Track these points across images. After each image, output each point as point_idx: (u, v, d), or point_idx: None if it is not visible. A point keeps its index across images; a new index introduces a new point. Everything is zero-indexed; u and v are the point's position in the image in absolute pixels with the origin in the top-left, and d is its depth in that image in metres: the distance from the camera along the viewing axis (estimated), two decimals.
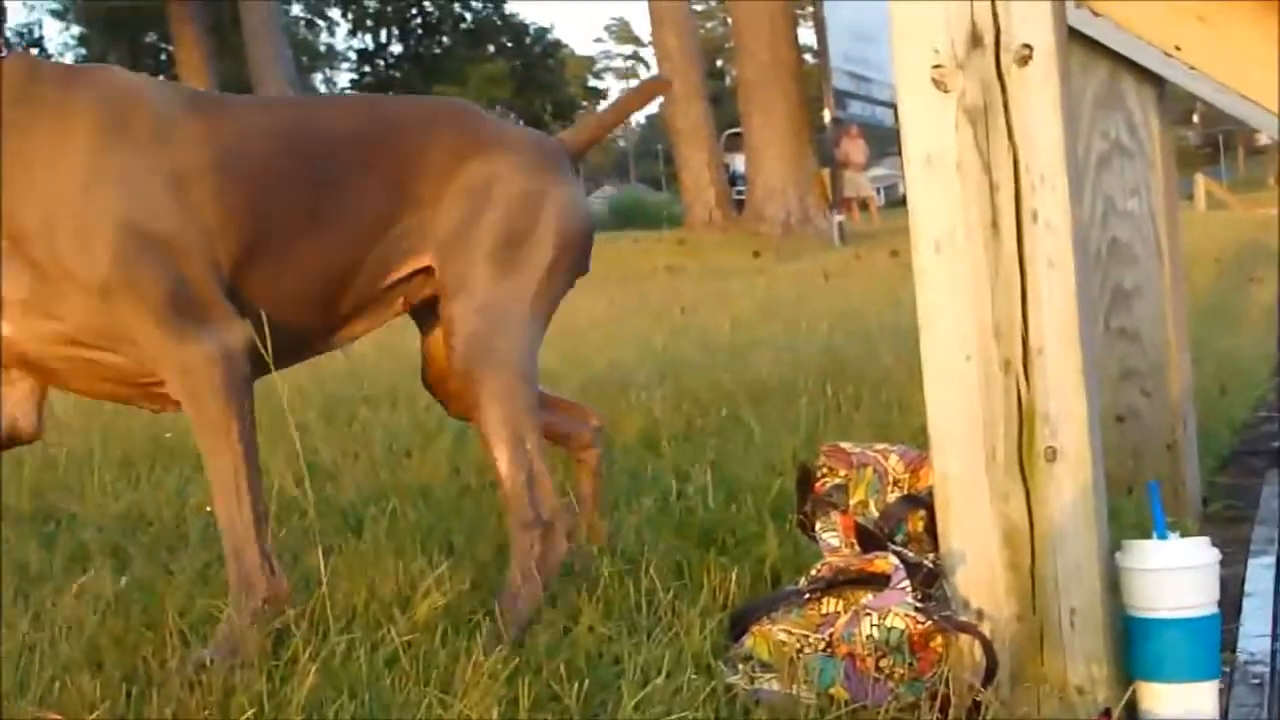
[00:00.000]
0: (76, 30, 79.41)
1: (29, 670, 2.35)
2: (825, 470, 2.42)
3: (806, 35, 27.60)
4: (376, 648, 2.31)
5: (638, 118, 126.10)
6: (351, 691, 2.17)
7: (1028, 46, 2.02)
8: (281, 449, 3.90)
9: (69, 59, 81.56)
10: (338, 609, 2.45)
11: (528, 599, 2.50)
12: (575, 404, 3.09)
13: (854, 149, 22.19)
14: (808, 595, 2.24)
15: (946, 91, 2.06)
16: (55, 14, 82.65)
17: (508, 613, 2.44)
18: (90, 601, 2.64)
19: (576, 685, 2.13)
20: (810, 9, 23.08)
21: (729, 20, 29.84)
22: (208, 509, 3.31)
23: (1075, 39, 2.70)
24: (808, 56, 27.87)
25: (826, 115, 20.50)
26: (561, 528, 2.54)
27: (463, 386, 2.58)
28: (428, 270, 2.64)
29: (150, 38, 71.81)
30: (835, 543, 2.30)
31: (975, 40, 2.05)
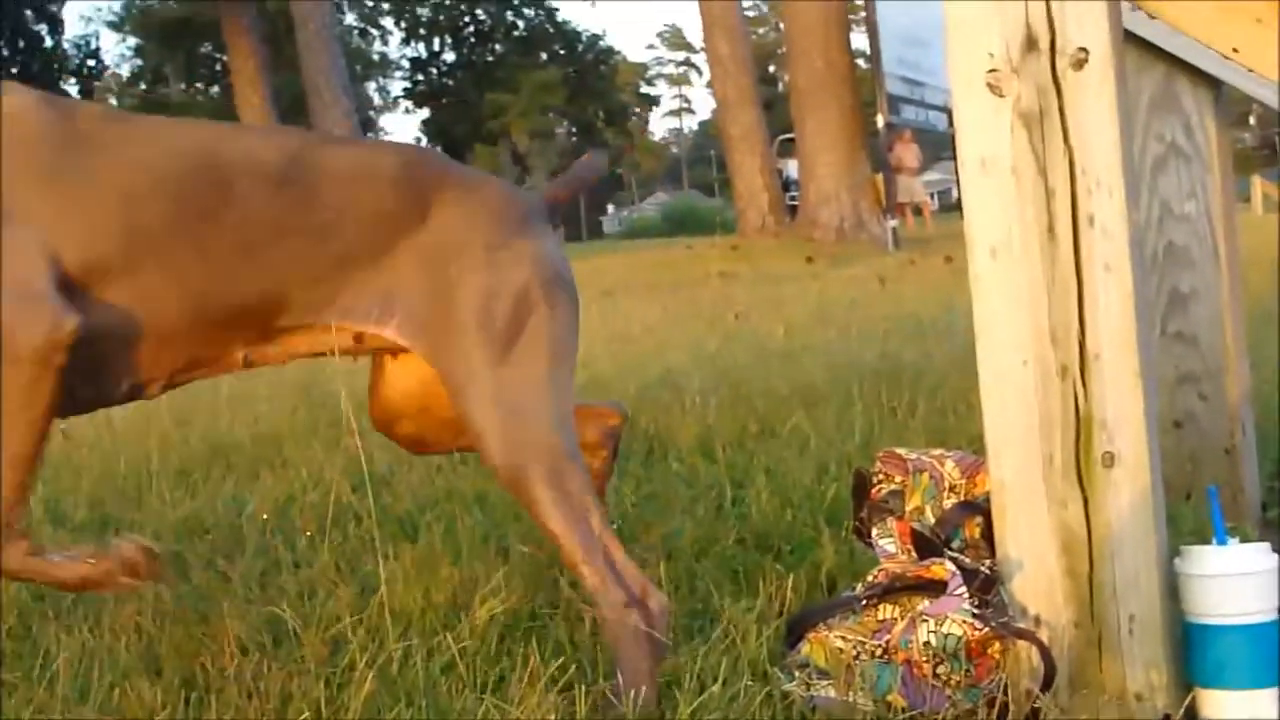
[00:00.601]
0: (133, 41, 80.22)
1: (89, 676, 2.37)
2: (881, 476, 2.41)
3: (859, 40, 27.58)
4: (433, 654, 2.32)
5: (690, 124, 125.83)
6: (409, 698, 2.18)
7: (1083, 50, 2.01)
8: (339, 457, 3.92)
9: (125, 70, 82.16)
10: (394, 616, 2.46)
11: (646, 698, 2.18)
12: (593, 407, 2.77)
13: (907, 154, 22.09)
14: (864, 601, 2.24)
15: (1002, 95, 2.06)
16: (112, 26, 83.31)
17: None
18: (149, 609, 2.66)
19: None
20: (863, 13, 23.00)
21: (781, 25, 29.86)
22: (264, 516, 3.34)
23: (1130, 41, 2.68)
24: (860, 61, 27.83)
25: (880, 120, 20.41)
26: (656, 604, 2.23)
27: (509, 485, 2.32)
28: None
29: (205, 48, 72.44)
30: (892, 549, 2.30)
31: (1030, 44, 2.04)
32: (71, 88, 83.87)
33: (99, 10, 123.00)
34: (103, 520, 3.61)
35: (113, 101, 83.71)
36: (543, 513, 2.25)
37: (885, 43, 19.93)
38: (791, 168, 27.95)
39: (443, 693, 2.21)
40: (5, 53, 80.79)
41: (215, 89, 73.95)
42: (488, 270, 2.39)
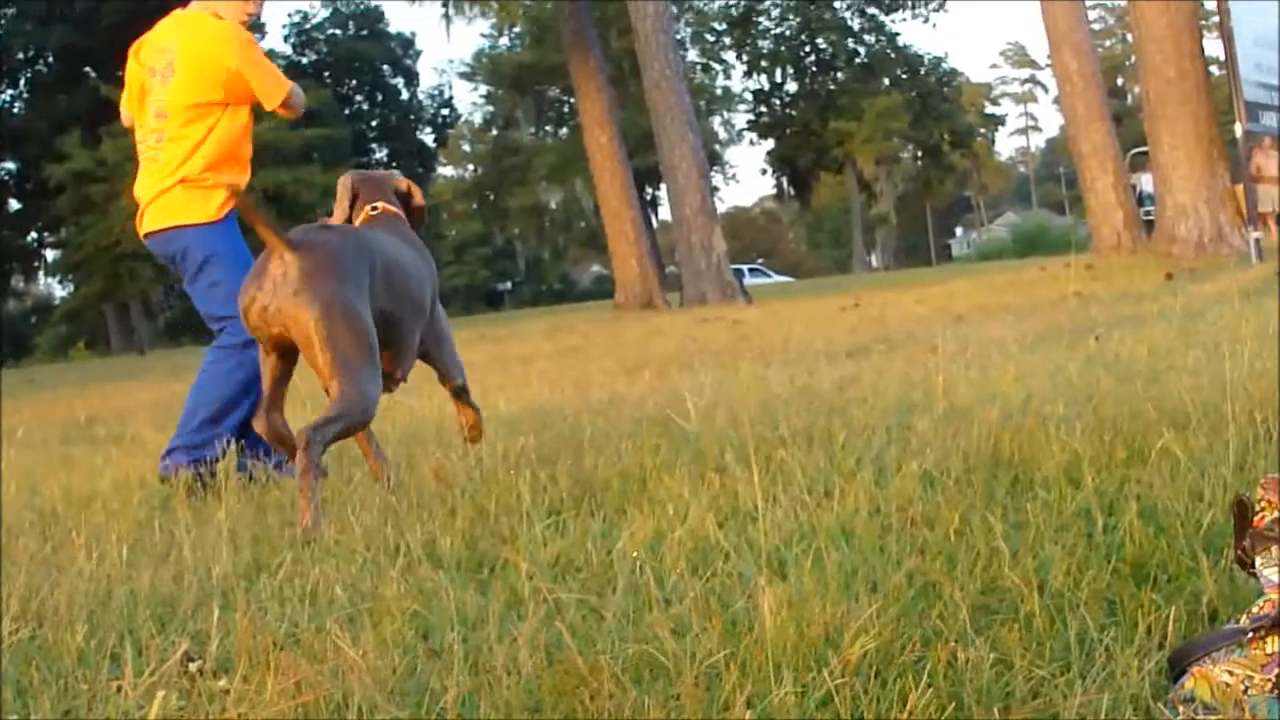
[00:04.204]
0: (484, 89, 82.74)
1: (473, 716, 2.45)
2: (1264, 503, 2.33)
3: (1212, 46, 26.71)
4: (807, 692, 2.33)
5: (1037, 142, 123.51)
6: None
7: None
8: (703, 493, 3.97)
9: (478, 118, 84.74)
10: (767, 652, 2.48)
11: None
12: None
13: (1268, 162, 21.29)
14: (1251, 634, 2.16)
15: None
16: (464, 76, 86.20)
17: None
18: (526, 646, 2.72)
19: None
20: (1215, 18, 22.27)
21: (1128, 36, 29.11)
22: (634, 554, 3.39)
23: None
24: (1214, 68, 26.96)
25: (1237, 128, 19.70)
26: None
27: None
28: None
29: (553, 92, 74.25)
30: (1277, 579, 2.22)
31: None
32: (427, 136, 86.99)
33: (451, 62, 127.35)
34: (478, 560, 3.72)
35: (466, 148, 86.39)
36: None
37: (1241, 47, 19.22)
38: (1146, 182, 27.22)
39: None
40: (365, 106, 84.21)
41: (564, 130, 75.70)
42: None
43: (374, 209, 5.29)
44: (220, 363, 6.11)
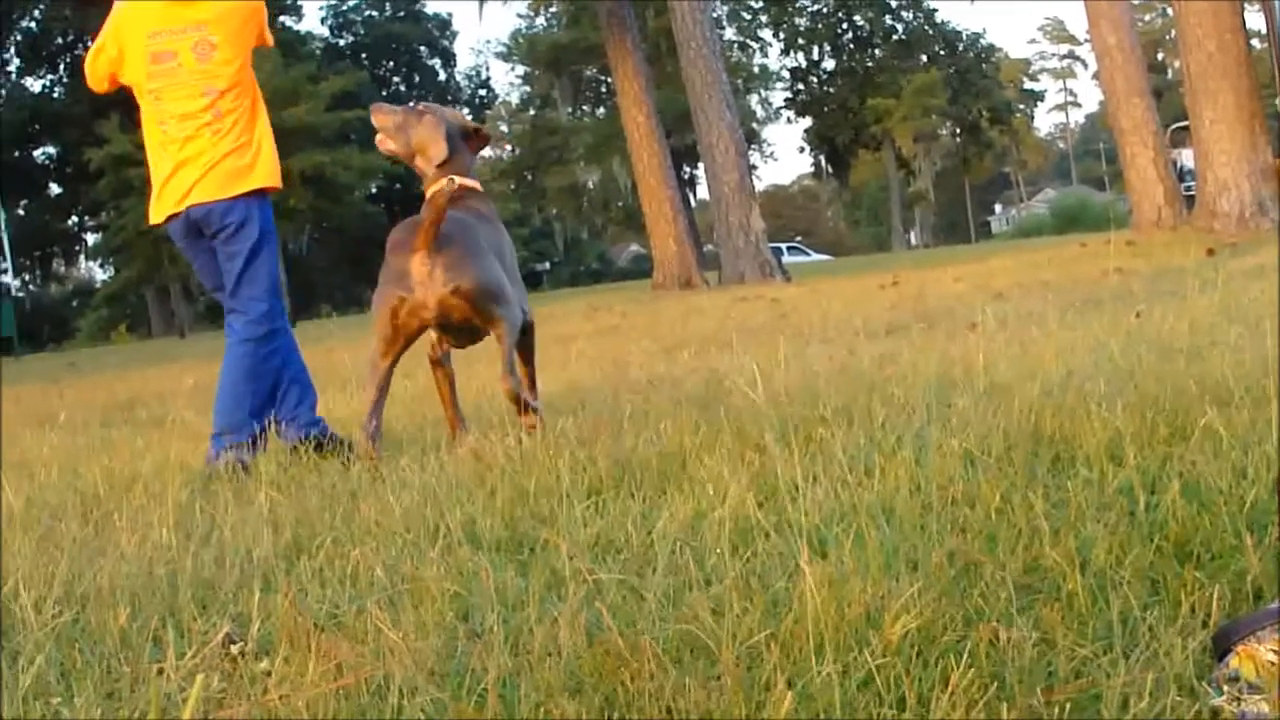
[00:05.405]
0: (521, 70, 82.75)
1: (512, 697, 2.45)
2: None
3: (1254, 19, 26.54)
4: (848, 672, 2.32)
5: (1076, 118, 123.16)
6: (827, 715, 2.19)
7: None
8: (743, 473, 3.96)
9: (515, 98, 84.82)
10: (808, 632, 2.47)
11: None
12: None
13: None
14: None
15: None
16: (500, 56, 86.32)
17: None
18: (566, 627, 2.72)
19: (1055, 709, 2.09)
20: None
21: (1168, 10, 28.96)
22: (674, 535, 3.39)
23: None
24: (1255, 42, 26.76)
25: (1279, 102, 19.57)
26: None
27: None
28: None
29: (590, 71, 74.17)
30: None
31: None
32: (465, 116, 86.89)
33: (488, 43, 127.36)
34: (518, 541, 3.72)
35: (503, 128, 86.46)
36: None
37: None
38: (1186, 157, 27.10)
39: (860, 710, 2.21)
40: (403, 88, 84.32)
41: (601, 110, 75.65)
42: None
43: (450, 182, 5.46)
44: (260, 348, 6.22)
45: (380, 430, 5.36)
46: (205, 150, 6.18)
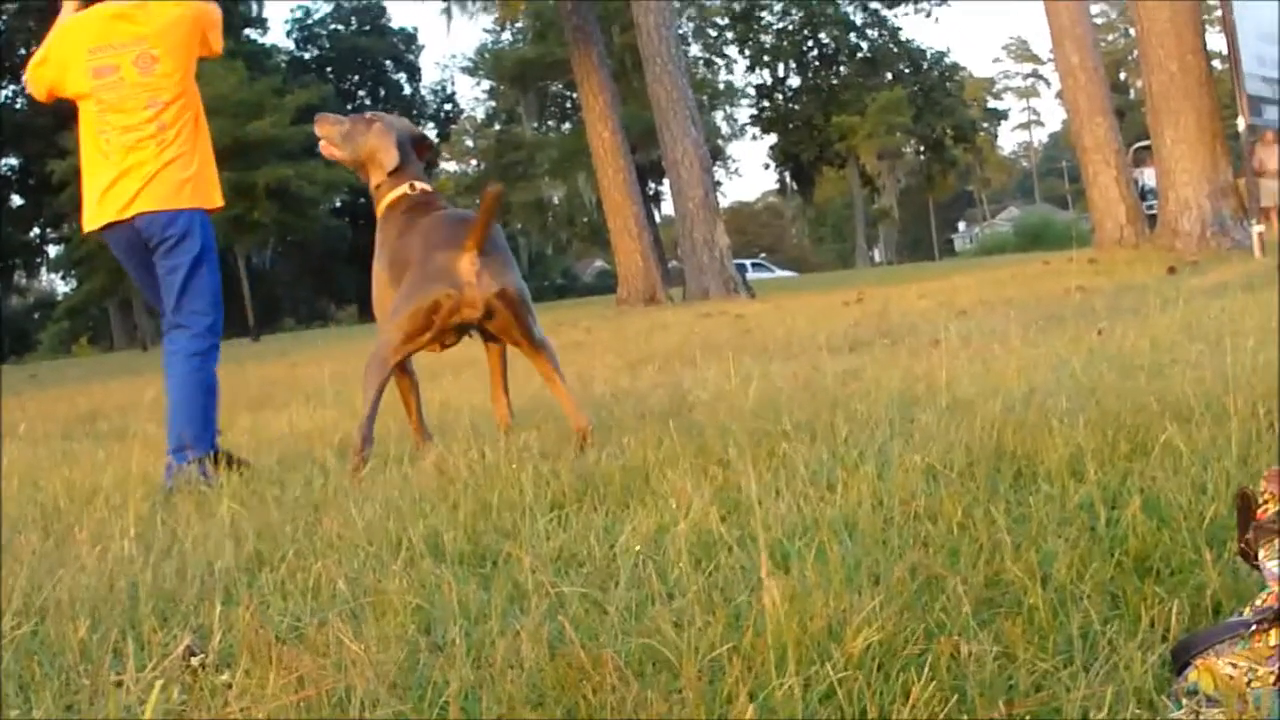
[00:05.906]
0: (486, 84, 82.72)
1: (474, 710, 2.45)
2: (1268, 496, 2.33)
3: (1215, 40, 26.69)
4: (810, 685, 2.33)
5: (1039, 136, 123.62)
6: None
7: None
8: (706, 487, 3.96)
9: (480, 112, 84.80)
10: (770, 645, 2.48)
11: None
12: None
13: (1270, 156, 21.24)
14: (1254, 626, 2.16)
15: None
16: (466, 70, 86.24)
17: None
18: (529, 640, 2.72)
19: None
20: (1218, 12, 22.25)
21: (1131, 31, 29.11)
22: (637, 548, 3.39)
23: None
24: (1216, 63, 26.92)
25: (1240, 122, 19.68)
26: None
27: None
28: None
29: (555, 87, 74.22)
30: None
31: None
32: (430, 131, 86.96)
33: (454, 57, 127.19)
34: (481, 554, 3.72)
35: (469, 143, 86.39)
36: None
37: (1243, 41, 19.20)
38: (1148, 176, 27.19)
39: None
40: (368, 101, 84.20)
41: (566, 125, 75.67)
42: None
43: (412, 188, 5.50)
44: (207, 362, 6.26)
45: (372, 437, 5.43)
46: (148, 160, 6.16)
